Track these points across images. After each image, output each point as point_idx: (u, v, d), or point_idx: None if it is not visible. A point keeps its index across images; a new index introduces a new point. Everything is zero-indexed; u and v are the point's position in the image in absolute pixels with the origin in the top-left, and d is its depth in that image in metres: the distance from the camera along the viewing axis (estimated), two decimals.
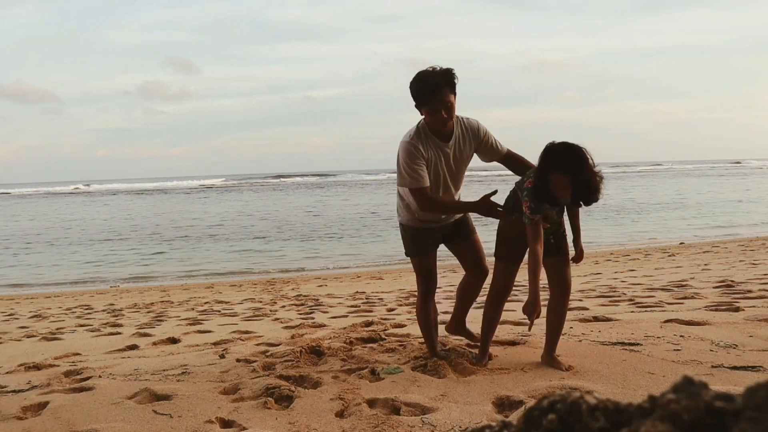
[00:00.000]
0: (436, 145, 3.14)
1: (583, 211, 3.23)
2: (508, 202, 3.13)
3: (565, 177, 2.70)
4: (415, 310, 3.79)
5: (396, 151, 3.19)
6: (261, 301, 7.37)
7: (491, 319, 3.26)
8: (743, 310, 4.27)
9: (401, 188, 3.27)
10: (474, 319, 3.67)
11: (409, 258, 3.48)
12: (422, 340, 3.79)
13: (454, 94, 3.04)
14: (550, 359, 3.10)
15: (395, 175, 3.21)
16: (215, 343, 4.48)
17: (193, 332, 5.14)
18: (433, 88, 2.97)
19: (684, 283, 6.31)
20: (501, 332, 3.94)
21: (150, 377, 3.38)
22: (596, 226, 16.86)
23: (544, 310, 3.09)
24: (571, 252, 3.21)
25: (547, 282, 3.24)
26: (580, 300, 5.38)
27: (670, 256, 10.36)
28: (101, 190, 64.67)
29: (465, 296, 3.58)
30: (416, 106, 3.08)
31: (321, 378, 3.08)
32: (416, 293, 3.52)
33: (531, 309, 2.93)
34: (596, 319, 4.28)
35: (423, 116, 3.12)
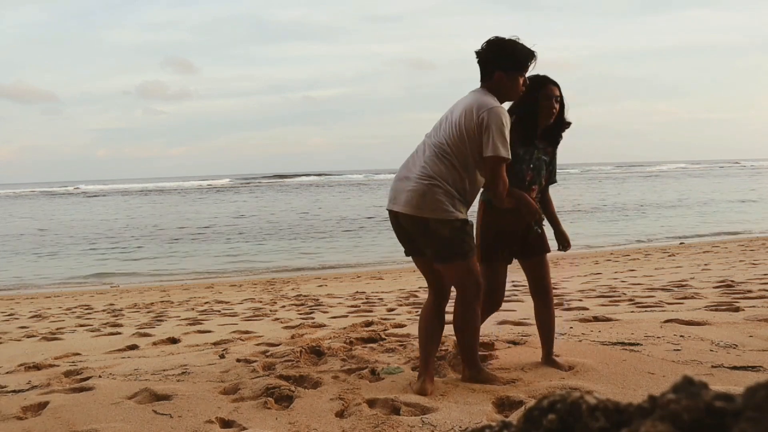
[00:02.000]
0: None
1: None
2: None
3: (555, 88, 3.01)
4: (416, 310, 3.74)
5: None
6: (261, 301, 7.37)
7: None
8: (743, 310, 4.27)
9: (486, 162, 2.77)
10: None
11: (459, 261, 2.83)
12: None
13: None
14: (549, 360, 3.11)
15: (393, 174, 3.00)
16: (215, 343, 4.47)
17: (193, 332, 5.14)
18: (532, 58, 2.85)
19: (684, 283, 6.31)
20: (501, 332, 3.95)
21: (150, 377, 3.38)
22: (597, 226, 16.86)
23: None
24: (555, 250, 3.20)
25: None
26: (580, 300, 5.38)
27: (670, 256, 10.36)
28: (105, 191, 64.51)
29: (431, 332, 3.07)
30: (505, 68, 2.81)
31: (321, 378, 3.08)
32: (416, 294, 3.48)
33: (529, 211, 2.91)
34: (596, 319, 4.28)
35: (503, 82, 2.83)
